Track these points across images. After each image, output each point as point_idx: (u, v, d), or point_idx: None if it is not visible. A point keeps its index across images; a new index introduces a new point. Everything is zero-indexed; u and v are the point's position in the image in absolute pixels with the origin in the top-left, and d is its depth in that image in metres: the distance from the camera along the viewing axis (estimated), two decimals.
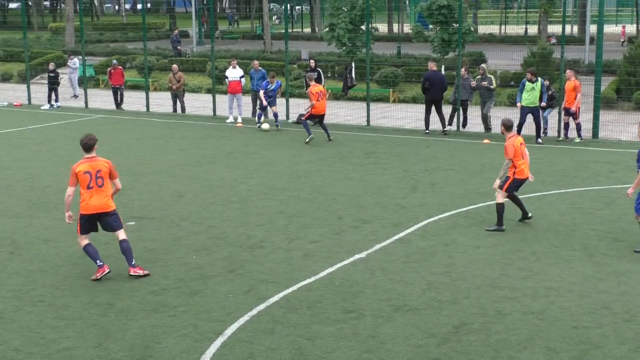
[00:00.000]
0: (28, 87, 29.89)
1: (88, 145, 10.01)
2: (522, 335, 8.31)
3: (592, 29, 32.93)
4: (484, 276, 10.13)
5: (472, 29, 31.07)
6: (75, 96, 31.04)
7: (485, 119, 21.74)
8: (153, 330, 8.57)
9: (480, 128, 21.93)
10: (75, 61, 31.56)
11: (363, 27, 29.20)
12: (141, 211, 13.52)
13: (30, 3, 70.62)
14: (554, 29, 45.30)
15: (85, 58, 30.07)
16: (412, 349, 8.04)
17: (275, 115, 22.31)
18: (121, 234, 10.19)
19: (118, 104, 27.87)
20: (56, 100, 28.59)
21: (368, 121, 23.43)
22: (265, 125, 22.31)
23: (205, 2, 56.29)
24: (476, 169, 16.69)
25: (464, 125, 22.27)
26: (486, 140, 20.00)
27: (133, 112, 26.97)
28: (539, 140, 19.82)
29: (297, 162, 17.81)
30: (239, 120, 23.81)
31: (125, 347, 8.17)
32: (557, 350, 7.97)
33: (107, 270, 10.05)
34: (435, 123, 21.72)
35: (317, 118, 20.50)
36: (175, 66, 26.47)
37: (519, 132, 19.50)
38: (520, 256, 10.93)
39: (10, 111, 27.53)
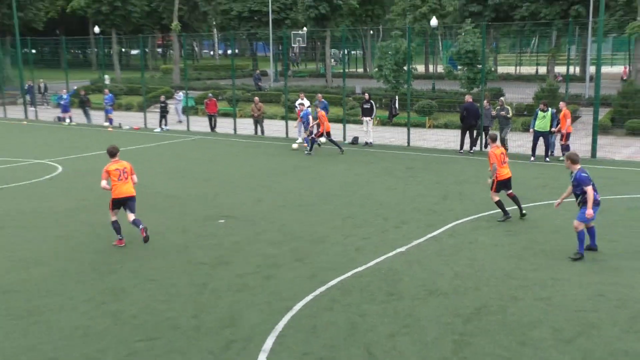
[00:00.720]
0: (144, 115, 30.64)
1: (113, 153, 11.24)
2: (532, 317, 8.15)
3: (592, 69, 32.14)
4: (501, 268, 9.96)
5: (492, 69, 30.54)
6: (180, 122, 31.60)
7: (503, 142, 21.32)
8: (237, 306, 8.67)
9: None
10: (180, 94, 32.24)
11: (405, 68, 29.04)
12: (228, 212, 13.70)
13: (147, 50, 72.43)
14: (560, 69, 44.30)
15: (188, 92, 30.66)
16: (441, 326, 7.96)
17: (306, 140, 22.03)
18: (131, 216, 11.18)
19: (212, 127, 28.28)
20: (165, 125, 29.19)
21: (408, 142, 23.26)
22: (294, 145, 22.50)
23: (280, 48, 56.80)
24: None
25: (486, 146, 21.93)
26: None
27: (224, 134, 27.34)
28: (547, 159, 19.35)
29: (350, 174, 17.79)
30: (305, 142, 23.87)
31: (216, 318, 8.30)
32: (561, 330, 7.79)
33: (122, 244, 11.04)
34: (465, 144, 21.54)
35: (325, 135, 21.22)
36: (256, 98, 26.75)
37: (533, 152, 19.33)
38: (531, 253, 10.71)
39: (131, 133, 28.27)
